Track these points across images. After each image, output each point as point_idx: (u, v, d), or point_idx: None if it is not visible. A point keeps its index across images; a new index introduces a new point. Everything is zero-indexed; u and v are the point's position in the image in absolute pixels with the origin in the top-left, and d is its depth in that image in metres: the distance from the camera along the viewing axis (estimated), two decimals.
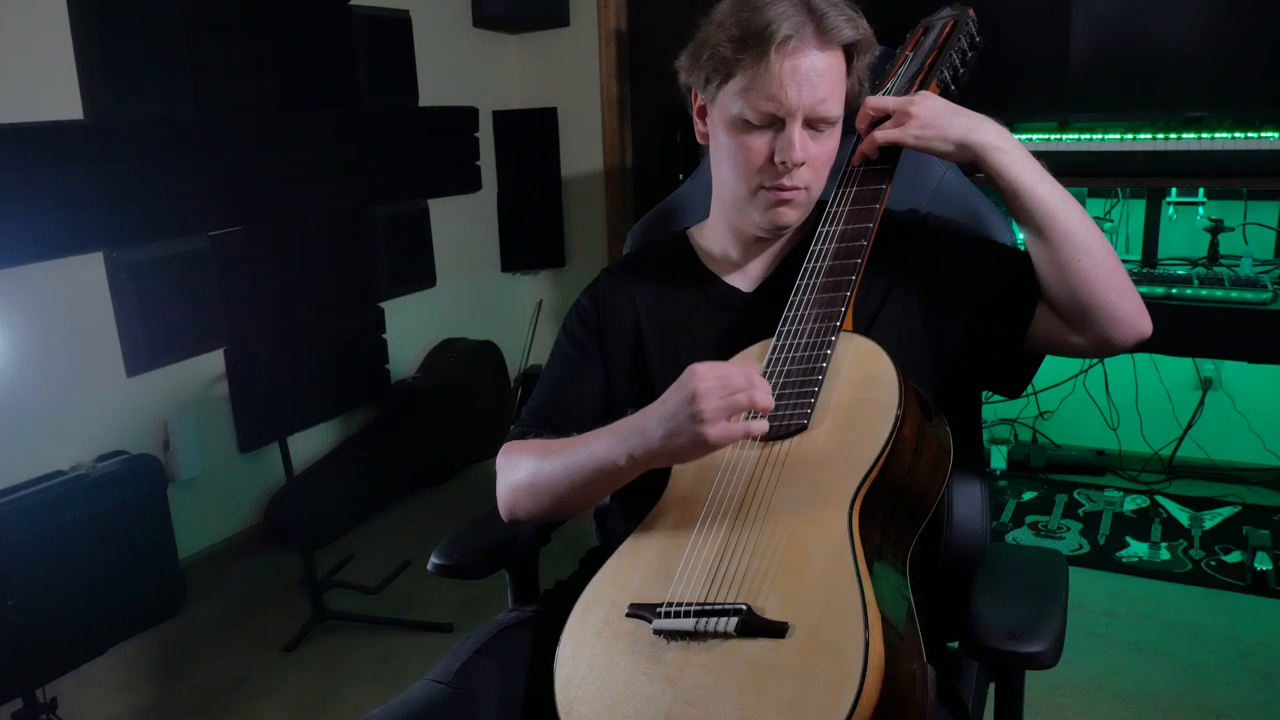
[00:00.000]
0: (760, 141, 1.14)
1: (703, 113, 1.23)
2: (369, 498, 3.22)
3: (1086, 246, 1.09)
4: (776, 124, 1.13)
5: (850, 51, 1.15)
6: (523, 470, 1.18)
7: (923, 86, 1.20)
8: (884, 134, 1.13)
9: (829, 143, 1.16)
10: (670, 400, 1.02)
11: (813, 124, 1.13)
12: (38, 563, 2.25)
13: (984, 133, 1.10)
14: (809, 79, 1.10)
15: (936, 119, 1.11)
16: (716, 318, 1.26)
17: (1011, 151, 1.10)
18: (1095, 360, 3.19)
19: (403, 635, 2.50)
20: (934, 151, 1.12)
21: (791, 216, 1.19)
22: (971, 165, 1.13)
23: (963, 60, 1.23)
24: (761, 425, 1.01)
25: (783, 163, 1.13)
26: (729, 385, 0.98)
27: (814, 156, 1.15)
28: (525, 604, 1.28)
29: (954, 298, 1.19)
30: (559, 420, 1.25)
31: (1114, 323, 1.10)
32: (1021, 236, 1.19)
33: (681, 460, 1.06)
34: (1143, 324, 1.11)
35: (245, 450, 2.94)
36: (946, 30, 1.26)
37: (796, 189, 1.16)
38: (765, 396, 0.99)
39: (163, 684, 2.35)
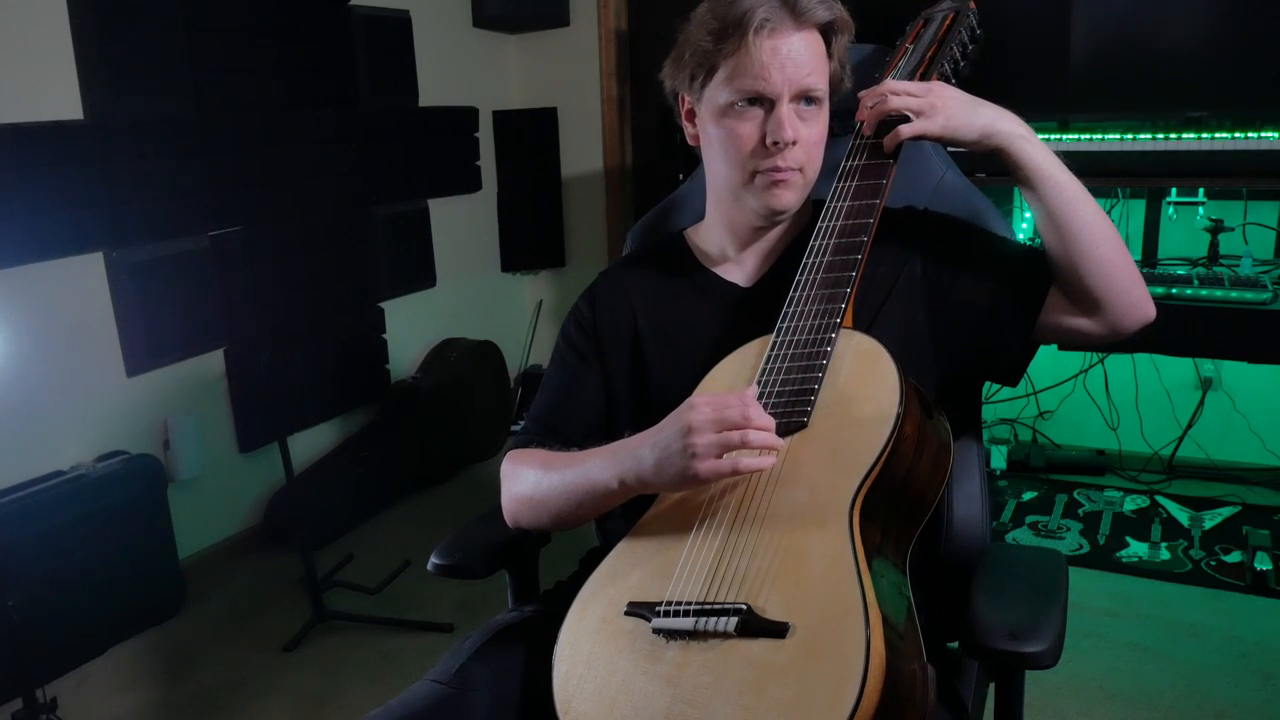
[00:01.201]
0: (750, 126, 1.15)
1: (691, 116, 1.24)
2: (369, 498, 3.22)
3: (1102, 234, 1.10)
4: (765, 105, 1.15)
5: (827, 33, 1.17)
6: (525, 483, 1.19)
7: (923, 79, 1.19)
8: (910, 128, 1.12)
9: (817, 125, 1.18)
10: (665, 430, 1.03)
11: (800, 98, 1.15)
12: (38, 563, 2.25)
13: (1007, 122, 1.12)
14: (791, 57, 1.13)
15: (961, 108, 1.12)
16: (715, 314, 1.26)
17: (1032, 140, 1.12)
18: (1095, 360, 3.19)
19: (403, 635, 2.50)
20: (958, 141, 1.13)
21: (789, 199, 1.19)
22: (988, 156, 1.13)
23: (963, 53, 1.23)
24: (755, 462, 1.00)
25: (775, 143, 1.14)
26: (724, 421, 0.98)
27: (805, 138, 1.16)
28: (525, 604, 1.28)
29: (963, 287, 1.19)
30: (561, 427, 1.26)
31: (1125, 308, 1.12)
32: (1022, 235, 1.19)
33: (671, 490, 1.07)
34: (1149, 309, 1.14)
35: (245, 450, 2.94)
36: (947, 23, 1.25)
37: (791, 169, 1.17)
38: (761, 435, 0.99)
39: (163, 684, 2.35)
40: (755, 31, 1.12)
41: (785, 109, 1.14)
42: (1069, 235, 1.10)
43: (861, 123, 1.19)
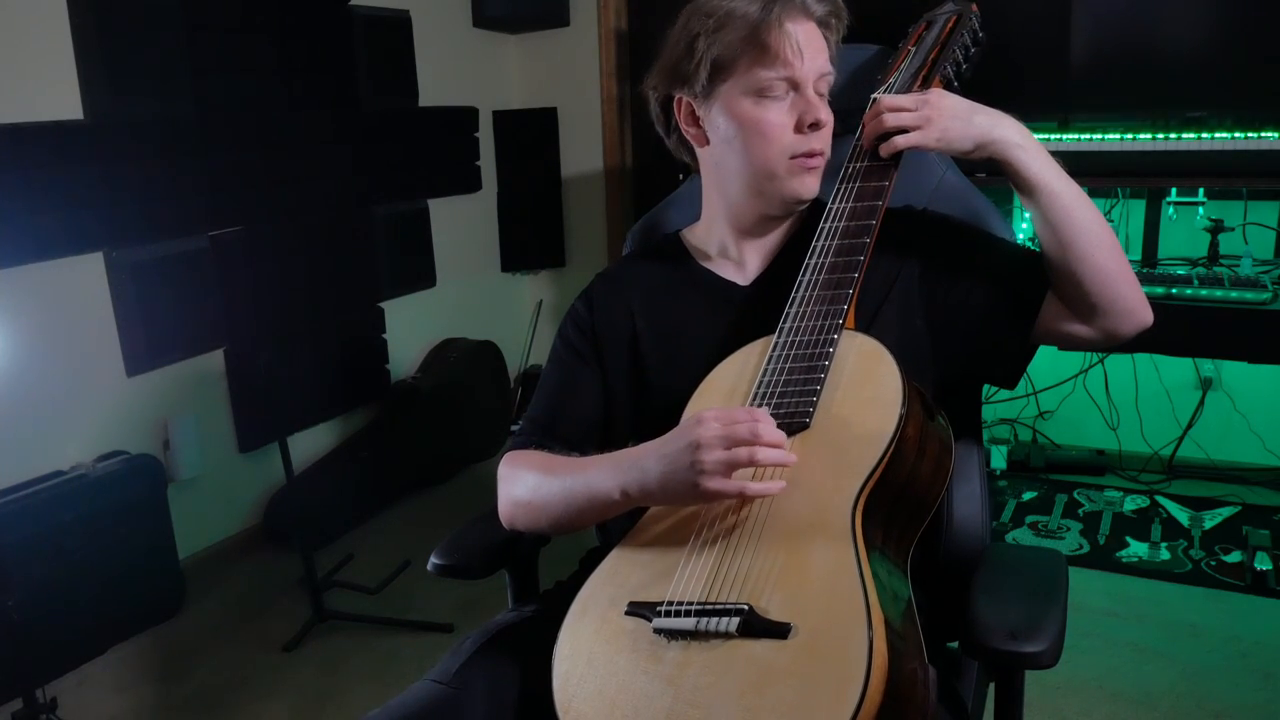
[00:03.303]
0: (778, 114, 1.17)
1: (692, 119, 1.23)
2: (369, 498, 3.22)
3: (1099, 241, 1.10)
4: (791, 92, 1.17)
5: (824, 25, 1.20)
6: (523, 487, 1.19)
7: (926, 82, 1.19)
8: (906, 139, 1.13)
9: (828, 113, 1.21)
10: (671, 444, 1.02)
11: (817, 84, 1.18)
12: (38, 563, 2.24)
13: (1004, 130, 1.11)
14: (810, 44, 1.17)
15: (957, 119, 1.11)
16: (714, 313, 1.26)
17: (1030, 148, 1.11)
18: (1095, 360, 3.19)
19: (403, 635, 2.49)
20: (954, 151, 1.13)
21: (815, 186, 1.21)
22: (985, 162, 1.13)
23: (966, 56, 1.23)
24: (763, 487, 0.99)
25: (813, 124, 1.16)
26: (733, 437, 0.97)
27: (827, 121, 1.19)
28: (525, 604, 1.28)
29: (961, 290, 1.19)
30: (559, 429, 1.26)
31: (1122, 314, 1.12)
32: (1022, 235, 1.19)
33: (675, 504, 1.07)
34: (1146, 314, 1.14)
35: (245, 450, 2.93)
36: (950, 25, 1.25)
37: (820, 153, 1.19)
38: (770, 453, 0.98)
39: (163, 684, 2.35)
40: (779, 19, 1.14)
41: (812, 92, 1.17)
42: (1066, 242, 1.10)
43: (863, 132, 1.20)
